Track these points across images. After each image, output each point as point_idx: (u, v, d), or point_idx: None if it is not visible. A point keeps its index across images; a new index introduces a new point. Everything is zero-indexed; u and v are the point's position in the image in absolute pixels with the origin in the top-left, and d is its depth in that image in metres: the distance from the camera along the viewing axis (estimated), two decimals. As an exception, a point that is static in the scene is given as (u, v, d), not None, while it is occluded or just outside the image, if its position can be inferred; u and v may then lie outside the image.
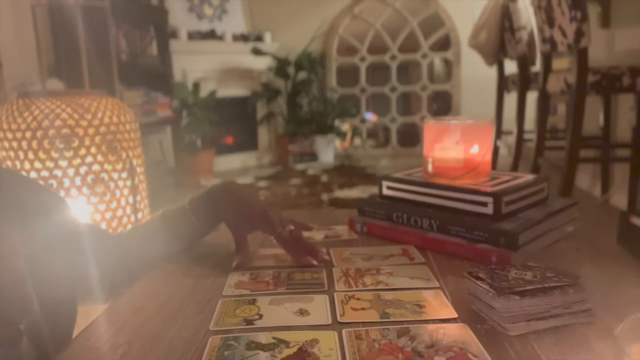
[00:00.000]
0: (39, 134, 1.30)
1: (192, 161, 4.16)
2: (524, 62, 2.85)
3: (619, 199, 2.57)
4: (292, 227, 0.74)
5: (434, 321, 0.52)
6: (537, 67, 2.67)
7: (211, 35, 4.58)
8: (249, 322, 0.54)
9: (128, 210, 1.45)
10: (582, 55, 1.92)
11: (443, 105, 5.55)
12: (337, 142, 5.17)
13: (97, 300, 0.79)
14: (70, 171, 1.33)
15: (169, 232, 0.77)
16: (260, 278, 0.66)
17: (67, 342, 0.54)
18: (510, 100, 3.13)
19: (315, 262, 0.70)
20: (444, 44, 5.10)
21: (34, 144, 1.30)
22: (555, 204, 0.80)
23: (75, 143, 1.33)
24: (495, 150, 3.30)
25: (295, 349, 0.47)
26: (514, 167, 2.87)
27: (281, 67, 4.80)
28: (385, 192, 0.85)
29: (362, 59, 5.11)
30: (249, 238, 0.76)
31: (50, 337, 0.58)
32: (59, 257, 0.65)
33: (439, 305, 0.56)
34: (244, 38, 4.73)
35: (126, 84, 3.24)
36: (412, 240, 0.78)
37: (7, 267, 0.38)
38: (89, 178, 1.36)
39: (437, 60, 5.69)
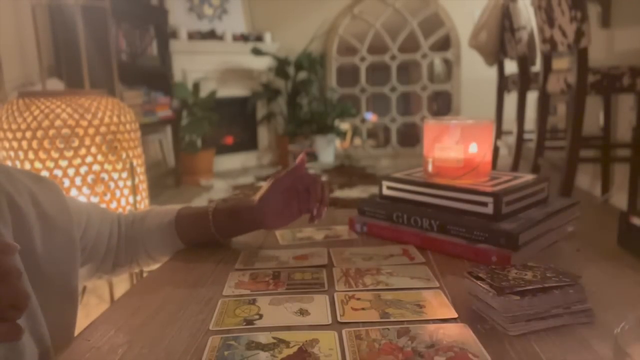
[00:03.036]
0: (39, 134, 1.30)
1: (192, 161, 4.15)
2: (524, 62, 2.85)
3: (619, 199, 2.57)
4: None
5: (434, 321, 0.52)
6: (537, 67, 2.67)
7: (211, 35, 4.58)
8: (249, 322, 0.54)
9: (128, 210, 1.45)
10: (582, 55, 1.92)
11: (443, 105, 5.55)
12: (337, 142, 5.17)
13: (100, 279, 0.80)
14: (71, 171, 1.33)
15: (180, 235, 0.78)
16: (260, 278, 0.66)
17: (68, 339, 0.54)
18: (511, 100, 3.13)
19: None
20: (444, 44, 5.10)
21: (34, 144, 1.30)
22: (555, 204, 0.80)
23: (76, 143, 1.33)
24: (495, 150, 3.30)
25: (295, 349, 0.47)
26: (514, 167, 2.86)
27: (281, 67, 4.80)
28: (386, 192, 0.85)
29: (362, 59, 5.11)
30: (250, 239, 0.77)
31: (51, 334, 0.58)
32: (58, 251, 0.64)
33: (439, 305, 0.56)
34: (244, 38, 4.73)
35: (126, 84, 3.24)
36: (412, 240, 0.78)
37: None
38: (89, 178, 1.36)
39: (437, 60, 5.69)
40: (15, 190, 0.60)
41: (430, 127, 0.82)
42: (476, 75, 4.58)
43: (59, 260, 0.64)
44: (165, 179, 4.09)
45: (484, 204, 0.72)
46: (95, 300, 1.91)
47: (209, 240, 0.79)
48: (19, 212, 0.59)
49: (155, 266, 0.81)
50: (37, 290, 0.56)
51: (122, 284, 1.80)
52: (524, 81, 2.87)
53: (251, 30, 4.90)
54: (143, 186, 1.53)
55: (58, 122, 1.31)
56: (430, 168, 0.82)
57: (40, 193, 0.65)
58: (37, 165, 1.31)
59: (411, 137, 5.40)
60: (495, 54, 3.24)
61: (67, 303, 0.66)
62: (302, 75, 4.88)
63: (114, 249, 0.78)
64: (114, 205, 1.41)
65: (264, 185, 0.78)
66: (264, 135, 5.11)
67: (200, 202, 3.51)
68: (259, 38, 4.85)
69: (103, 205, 1.40)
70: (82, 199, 1.34)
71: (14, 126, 1.31)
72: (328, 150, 4.91)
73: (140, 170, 1.49)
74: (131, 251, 0.80)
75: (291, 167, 0.78)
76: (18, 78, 2.51)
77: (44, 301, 0.57)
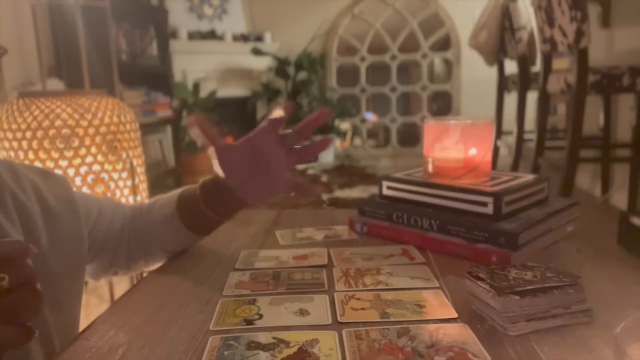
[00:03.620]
0: (39, 134, 1.30)
1: (192, 161, 4.16)
2: (524, 62, 2.85)
3: (619, 199, 2.57)
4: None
5: (434, 321, 0.52)
6: (537, 67, 2.67)
7: (211, 35, 4.58)
8: (249, 322, 0.54)
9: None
10: (582, 55, 1.92)
11: (443, 105, 5.55)
12: (337, 142, 5.17)
13: (116, 275, 0.79)
14: (71, 171, 1.33)
15: (187, 225, 0.74)
16: (260, 278, 0.66)
17: (73, 336, 0.54)
18: (511, 100, 3.13)
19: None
20: (444, 44, 5.10)
21: (34, 144, 1.30)
22: (555, 204, 0.80)
23: (76, 143, 1.33)
24: (495, 150, 3.29)
25: (295, 349, 0.47)
26: (514, 167, 2.86)
27: (281, 67, 4.80)
28: (385, 192, 0.85)
29: (362, 59, 5.11)
30: (250, 239, 0.76)
31: (56, 332, 0.58)
32: (64, 247, 0.64)
33: (439, 305, 0.56)
34: (244, 38, 4.73)
35: (126, 84, 3.24)
36: (412, 240, 0.78)
37: (16, 267, 0.38)
38: (89, 178, 1.36)
39: (437, 60, 5.69)
40: (19, 187, 0.60)
41: (430, 127, 0.82)
42: (476, 75, 4.58)
43: (65, 255, 0.63)
44: (165, 179, 4.09)
45: (484, 204, 0.72)
46: (95, 300, 1.91)
47: (214, 223, 0.74)
48: (23, 208, 0.59)
49: None
50: (43, 288, 0.56)
51: (122, 284, 1.80)
52: (524, 81, 2.87)
53: (251, 30, 4.90)
54: (143, 186, 1.53)
55: (58, 122, 1.31)
56: (430, 168, 0.82)
57: (46, 188, 0.65)
58: (37, 165, 1.31)
59: (411, 137, 5.40)
60: (495, 54, 3.24)
61: (73, 299, 0.66)
62: (302, 75, 4.88)
63: (125, 244, 0.75)
64: (114, 205, 1.41)
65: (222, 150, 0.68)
66: (264, 135, 5.10)
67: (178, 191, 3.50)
68: (259, 38, 4.85)
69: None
70: (82, 199, 1.34)
71: (14, 126, 1.31)
72: (328, 150, 4.91)
73: (140, 170, 1.49)
74: (143, 246, 0.76)
75: (261, 126, 0.68)
76: (18, 78, 2.51)
77: (50, 298, 0.57)
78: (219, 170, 0.69)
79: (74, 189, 0.70)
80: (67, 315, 0.63)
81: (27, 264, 0.39)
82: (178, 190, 0.77)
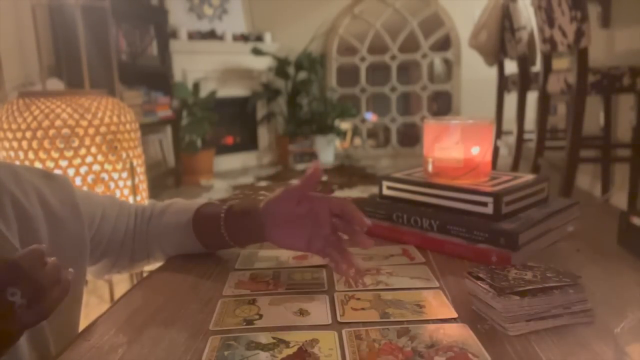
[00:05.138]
0: (39, 134, 1.30)
1: (192, 161, 4.15)
2: (524, 62, 2.85)
3: (619, 199, 2.57)
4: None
5: (434, 321, 0.52)
6: (537, 67, 2.67)
7: (211, 35, 4.58)
8: (249, 322, 0.54)
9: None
10: (582, 55, 1.92)
11: (443, 105, 5.55)
12: (337, 142, 5.17)
13: (119, 273, 0.78)
14: (71, 171, 1.33)
15: (199, 238, 0.73)
16: (260, 278, 0.66)
17: (69, 339, 0.54)
18: (511, 100, 3.13)
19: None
20: (444, 44, 5.10)
21: (34, 144, 1.30)
22: (555, 204, 0.80)
23: (76, 143, 1.33)
24: (495, 150, 3.29)
25: (295, 349, 0.47)
26: (514, 167, 2.86)
27: (281, 67, 4.80)
28: (385, 192, 0.85)
29: (362, 59, 5.10)
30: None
31: (56, 336, 0.57)
32: (66, 253, 0.63)
33: (439, 305, 0.56)
34: (244, 38, 4.73)
35: (126, 84, 3.24)
36: (412, 240, 0.78)
37: (26, 280, 0.40)
38: (89, 178, 1.36)
39: (437, 60, 5.69)
40: (21, 191, 0.60)
41: (430, 127, 0.82)
42: (476, 75, 4.58)
43: (67, 260, 0.62)
44: (165, 179, 4.09)
45: (484, 204, 0.72)
46: (95, 300, 1.91)
47: (226, 246, 0.73)
48: (24, 213, 0.58)
49: None
50: None
51: (122, 284, 1.80)
52: (524, 81, 2.87)
53: (251, 30, 4.90)
54: (143, 186, 1.53)
55: (58, 122, 1.31)
56: (430, 168, 0.82)
57: (50, 192, 0.64)
58: (37, 165, 1.31)
59: (411, 137, 5.40)
60: (495, 54, 3.24)
61: (73, 303, 0.65)
62: (302, 75, 4.88)
63: (130, 245, 0.74)
64: (114, 205, 1.41)
65: (275, 191, 0.68)
66: (264, 135, 5.11)
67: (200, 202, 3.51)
68: (259, 38, 4.85)
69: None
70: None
71: (14, 126, 1.31)
72: (328, 150, 4.91)
73: (140, 170, 1.49)
74: (147, 247, 0.75)
75: (303, 177, 0.66)
76: (18, 78, 2.51)
77: None
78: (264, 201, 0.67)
79: (77, 190, 0.69)
80: (67, 319, 0.63)
81: (39, 274, 0.40)
82: (196, 202, 0.75)
